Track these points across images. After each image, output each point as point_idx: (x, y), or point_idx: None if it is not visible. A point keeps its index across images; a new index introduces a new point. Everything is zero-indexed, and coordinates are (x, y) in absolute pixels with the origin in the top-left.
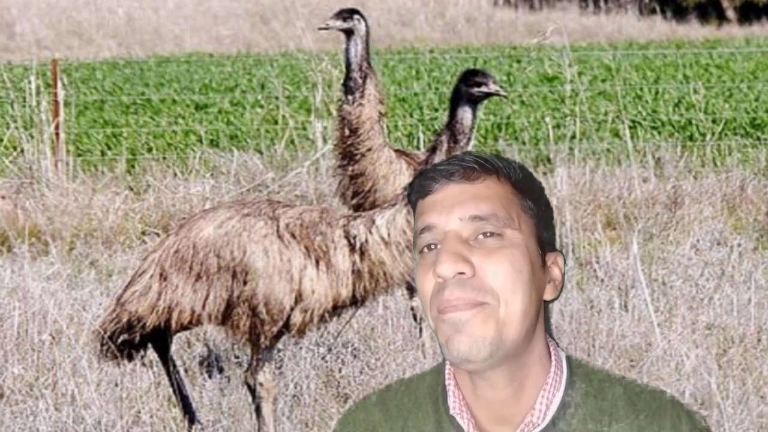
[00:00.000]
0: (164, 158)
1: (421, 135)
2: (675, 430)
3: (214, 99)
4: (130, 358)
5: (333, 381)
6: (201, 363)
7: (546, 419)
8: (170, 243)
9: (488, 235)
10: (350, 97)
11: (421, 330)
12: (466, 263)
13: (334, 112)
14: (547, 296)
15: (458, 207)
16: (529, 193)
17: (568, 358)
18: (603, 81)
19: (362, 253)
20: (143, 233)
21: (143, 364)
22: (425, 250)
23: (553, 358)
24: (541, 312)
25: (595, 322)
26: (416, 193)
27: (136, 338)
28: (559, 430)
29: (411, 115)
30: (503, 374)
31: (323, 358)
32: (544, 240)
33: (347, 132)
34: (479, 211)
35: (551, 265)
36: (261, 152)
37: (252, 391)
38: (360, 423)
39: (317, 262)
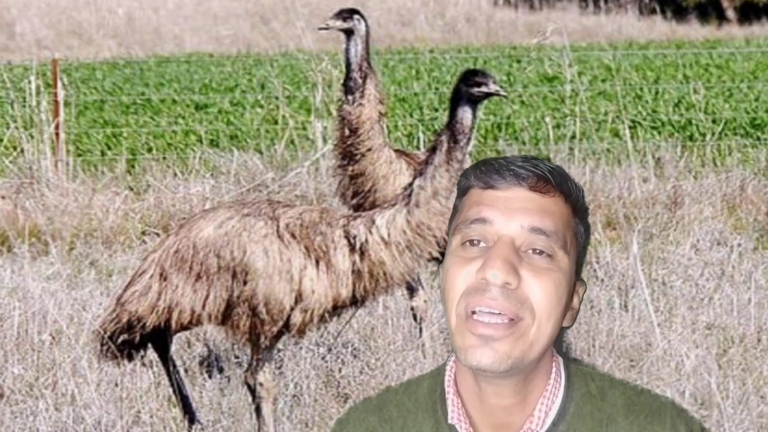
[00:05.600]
0: (164, 158)
1: (421, 135)
2: (674, 431)
3: (214, 99)
4: (130, 358)
5: (333, 381)
6: (201, 363)
7: (545, 426)
8: (170, 243)
9: (538, 252)
10: (350, 97)
11: (421, 330)
12: (515, 275)
13: (334, 112)
14: (565, 323)
15: (523, 214)
16: (583, 219)
17: (567, 363)
18: (603, 81)
19: (362, 253)
20: (143, 233)
21: (143, 364)
22: (468, 243)
23: (553, 364)
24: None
25: (595, 322)
26: (476, 180)
27: (136, 338)
28: None
29: (411, 115)
30: (511, 385)
31: (323, 358)
32: (579, 267)
33: (347, 132)
34: (543, 225)
35: (574, 294)
36: (261, 152)
37: (252, 391)
38: (357, 426)
39: (317, 262)
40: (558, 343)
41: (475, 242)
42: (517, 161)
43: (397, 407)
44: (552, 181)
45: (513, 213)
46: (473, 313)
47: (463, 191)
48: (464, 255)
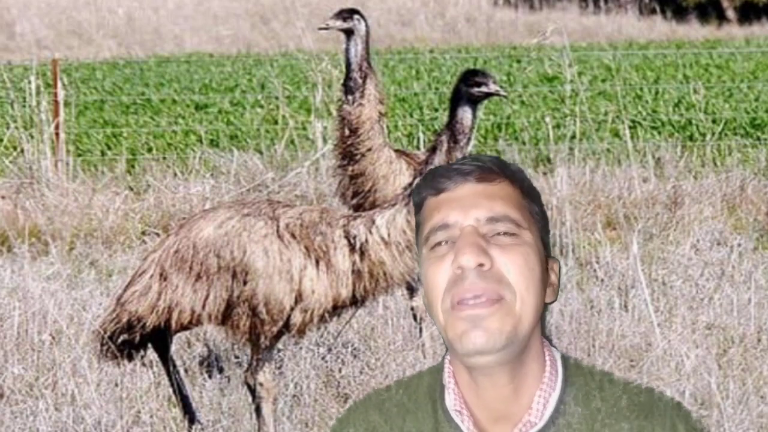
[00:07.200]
0: (164, 158)
1: (421, 135)
2: (673, 430)
3: (214, 99)
4: (130, 358)
5: (333, 381)
6: (201, 363)
7: (544, 418)
8: (170, 243)
9: (502, 234)
10: (350, 97)
11: (421, 330)
12: (486, 255)
13: (334, 112)
14: (548, 298)
15: (475, 208)
16: (535, 199)
17: (564, 358)
18: (603, 81)
19: (362, 253)
20: (143, 233)
21: (143, 364)
22: (436, 246)
23: (547, 357)
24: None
25: (595, 322)
26: (427, 189)
27: (136, 338)
28: (558, 429)
29: (411, 115)
30: (506, 372)
31: (323, 358)
32: (546, 245)
33: (347, 132)
34: (495, 213)
35: (549, 270)
36: (261, 152)
37: (252, 391)
38: (358, 424)
39: (317, 262)
40: (543, 323)
41: (443, 243)
42: (458, 161)
43: (398, 405)
44: (494, 169)
45: (468, 209)
46: (458, 303)
47: (418, 205)
48: (436, 255)
